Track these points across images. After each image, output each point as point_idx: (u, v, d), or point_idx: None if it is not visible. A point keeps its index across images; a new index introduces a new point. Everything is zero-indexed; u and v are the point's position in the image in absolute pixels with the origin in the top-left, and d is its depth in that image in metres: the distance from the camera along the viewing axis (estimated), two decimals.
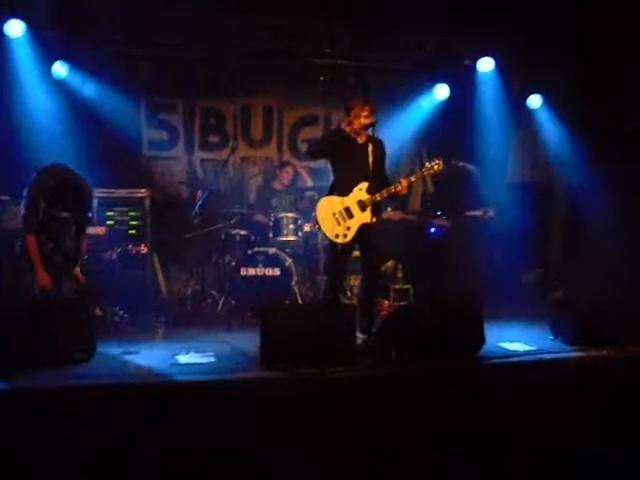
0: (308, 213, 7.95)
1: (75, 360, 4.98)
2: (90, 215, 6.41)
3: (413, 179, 6.03)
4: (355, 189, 5.89)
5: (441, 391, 4.72)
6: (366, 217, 5.84)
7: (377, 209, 5.94)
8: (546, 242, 9.67)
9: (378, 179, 5.90)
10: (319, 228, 6.09)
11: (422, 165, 6.08)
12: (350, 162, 5.91)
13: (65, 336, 4.97)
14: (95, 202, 7.63)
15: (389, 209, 8.55)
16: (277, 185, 8.58)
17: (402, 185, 5.83)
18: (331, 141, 6.09)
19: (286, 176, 8.57)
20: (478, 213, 8.20)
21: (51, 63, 8.01)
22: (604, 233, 8.76)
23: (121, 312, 6.90)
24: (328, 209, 5.92)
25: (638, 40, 7.64)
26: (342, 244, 5.86)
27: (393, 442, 4.43)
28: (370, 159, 5.80)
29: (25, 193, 5.78)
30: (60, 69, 8.08)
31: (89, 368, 4.93)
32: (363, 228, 5.87)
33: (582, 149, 8.94)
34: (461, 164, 8.34)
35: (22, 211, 5.84)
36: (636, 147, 8.35)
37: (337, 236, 5.86)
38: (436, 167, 5.96)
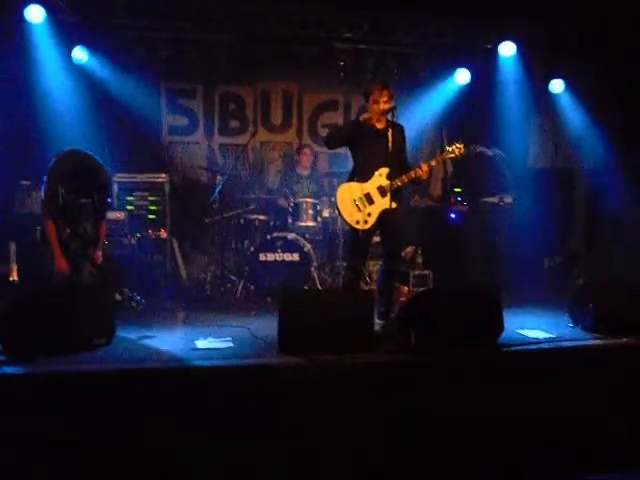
0: (328, 199, 7.96)
1: (95, 345, 5.00)
2: (109, 200, 6.43)
3: (433, 163, 5.99)
4: (375, 175, 5.85)
5: (460, 378, 4.71)
6: (386, 203, 5.81)
7: (397, 195, 5.90)
8: (567, 229, 9.61)
9: (398, 165, 5.87)
10: (339, 215, 6.07)
11: (443, 149, 6.02)
12: (369, 148, 5.87)
13: (85, 321, 4.99)
14: (115, 187, 7.71)
15: (416, 197, 8.53)
16: (300, 170, 8.57)
17: (422, 170, 5.78)
18: (348, 130, 6.06)
19: (306, 158, 8.55)
20: (494, 199, 8.15)
21: (71, 48, 8.03)
22: (626, 219, 8.69)
23: (140, 297, 6.93)
24: (348, 196, 5.89)
25: None
26: (363, 230, 5.85)
27: (412, 428, 4.44)
28: (390, 144, 5.76)
29: (45, 179, 5.81)
30: (80, 54, 8.10)
31: (109, 353, 4.95)
32: (384, 214, 5.84)
33: (604, 135, 8.86)
34: (479, 149, 8.24)
35: (42, 197, 5.87)
36: None
37: (357, 222, 5.84)
38: (457, 151, 5.92)
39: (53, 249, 5.73)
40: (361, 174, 5.93)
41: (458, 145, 5.93)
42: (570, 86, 9.30)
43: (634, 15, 7.65)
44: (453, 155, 5.95)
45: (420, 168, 5.78)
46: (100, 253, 6.12)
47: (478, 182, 8.39)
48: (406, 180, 5.82)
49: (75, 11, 7.68)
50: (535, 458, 4.53)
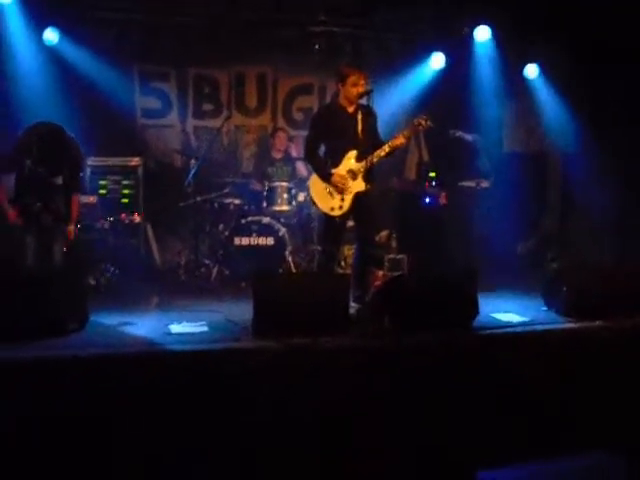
0: (303, 183, 7.93)
1: (68, 330, 4.95)
2: (81, 175, 6.34)
3: (401, 139, 5.84)
4: (344, 159, 5.85)
5: (433, 361, 4.72)
6: (359, 185, 5.83)
7: (369, 176, 5.90)
8: (541, 213, 9.68)
9: (370, 147, 5.85)
10: (314, 204, 6.08)
11: (411, 123, 6.00)
12: (339, 133, 5.87)
13: (58, 306, 4.94)
14: (87, 171, 7.62)
15: (394, 179, 8.52)
16: (275, 153, 8.54)
17: (389, 146, 5.77)
18: (319, 132, 6.03)
19: (280, 141, 8.54)
20: (471, 184, 8.18)
21: (42, 30, 7.90)
22: (599, 204, 8.76)
23: (114, 281, 6.87)
24: (320, 184, 5.91)
25: (634, 7, 7.58)
26: (338, 216, 5.85)
27: (386, 412, 4.45)
28: (359, 127, 5.79)
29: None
30: (51, 35, 7.96)
31: (82, 338, 4.91)
32: (357, 197, 5.84)
33: (577, 119, 8.90)
34: (458, 134, 8.28)
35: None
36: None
37: (332, 209, 5.86)
38: (423, 122, 5.85)
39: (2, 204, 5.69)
40: (332, 159, 5.94)
41: (423, 116, 5.88)
42: (544, 71, 9.34)
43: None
44: (420, 128, 5.90)
45: (394, 140, 5.77)
46: (72, 228, 6.04)
47: (456, 166, 8.40)
48: (376, 159, 5.80)
49: None
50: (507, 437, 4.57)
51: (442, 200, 8.50)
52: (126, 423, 4.08)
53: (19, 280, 5.03)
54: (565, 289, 5.80)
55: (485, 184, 8.16)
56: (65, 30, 8.01)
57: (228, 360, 4.55)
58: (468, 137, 8.33)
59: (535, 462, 3.54)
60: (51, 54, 8.03)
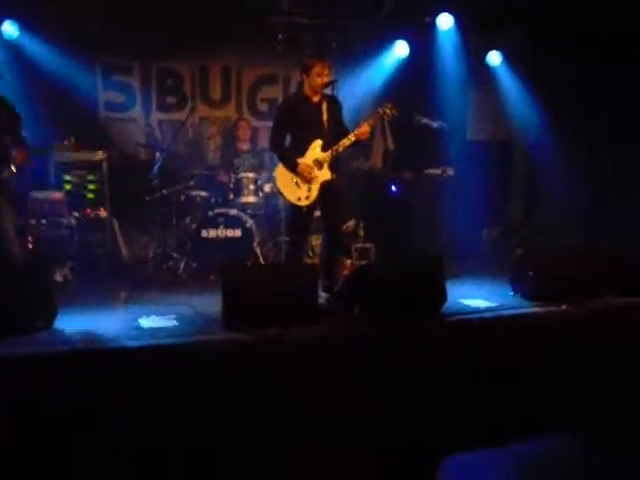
0: (270, 173, 7.92)
1: (36, 327, 4.90)
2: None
3: (365, 126, 5.86)
4: (309, 148, 5.87)
5: (403, 349, 4.76)
6: (325, 175, 5.88)
7: (334, 165, 5.93)
8: (506, 200, 9.77)
9: (336, 136, 5.88)
10: (280, 194, 6.10)
11: (375, 112, 6.06)
12: (304, 123, 5.91)
13: (25, 303, 4.89)
14: (51, 166, 7.54)
15: (360, 159, 8.54)
16: (240, 144, 8.51)
17: (362, 130, 5.79)
18: (283, 123, 6.06)
19: (242, 132, 8.53)
20: (437, 171, 8.23)
21: (0, 23, 7.80)
22: (563, 190, 8.86)
23: (81, 277, 6.82)
24: (286, 174, 5.94)
25: None
26: (306, 206, 5.87)
27: (357, 402, 4.48)
28: (324, 117, 5.84)
29: None
30: (9, 29, 7.87)
31: (50, 335, 4.87)
32: (324, 186, 5.87)
33: (542, 107, 8.99)
34: (424, 121, 8.30)
35: None
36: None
37: (299, 199, 5.89)
38: (388, 111, 5.93)
39: None
40: (297, 149, 5.97)
41: (388, 105, 5.94)
42: (507, 58, 9.41)
43: None
44: (385, 116, 5.99)
45: (359, 129, 5.80)
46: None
47: (421, 153, 8.42)
48: (341, 148, 5.84)
49: None
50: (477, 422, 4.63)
51: (407, 177, 8.52)
52: (96, 420, 4.06)
53: None
54: (531, 274, 5.88)
55: (450, 172, 8.21)
56: (24, 23, 7.91)
57: (199, 353, 4.55)
58: (434, 124, 8.36)
59: (499, 446, 3.60)
60: (11, 48, 7.93)
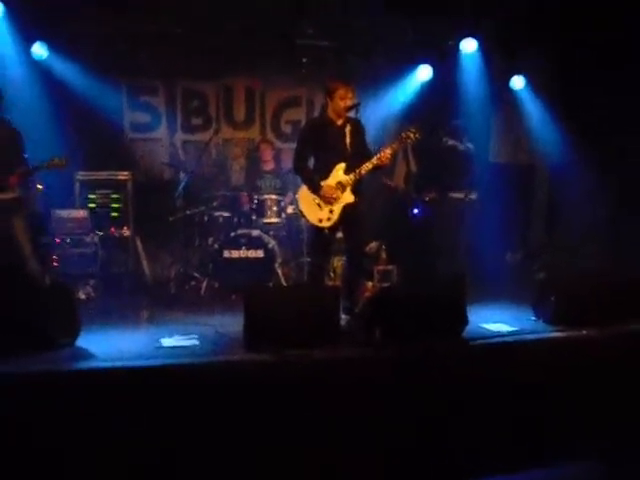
0: (293, 195, 7.95)
1: (60, 345, 4.95)
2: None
3: (395, 146, 5.93)
4: (333, 171, 5.90)
5: (424, 372, 4.75)
6: (348, 197, 5.88)
7: (358, 188, 5.94)
8: (528, 223, 9.73)
9: (359, 159, 5.89)
10: (302, 216, 6.13)
11: (398, 136, 6.07)
12: (328, 145, 5.93)
13: (49, 320, 4.93)
14: (77, 185, 7.63)
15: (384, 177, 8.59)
16: (264, 166, 8.57)
17: (384, 154, 5.79)
18: (307, 145, 6.10)
19: (264, 153, 8.60)
20: (460, 195, 8.14)
21: (31, 44, 7.93)
22: (586, 214, 8.82)
23: (104, 295, 6.87)
24: (309, 196, 5.96)
25: (617, 20, 7.68)
26: (327, 228, 5.89)
27: (378, 424, 4.47)
28: (348, 140, 5.83)
29: None
30: (39, 50, 8.00)
31: (73, 352, 4.90)
32: (346, 209, 5.88)
33: (564, 130, 8.97)
34: (451, 142, 8.19)
35: None
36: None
37: (321, 221, 5.90)
38: (412, 135, 5.90)
39: None
40: (320, 171, 5.99)
41: (412, 129, 5.94)
42: (530, 82, 9.41)
43: (591, 10, 7.78)
44: (409, 140, 5.96)
45: (382, 153, 5.81)
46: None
47: (445, 177, 8.34)
48: (364, 171, 5.84)
49: (33, 6, 7.55)
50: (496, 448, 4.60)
51: (431, 197, 8.45)
52: (118, 437, 4.08)
53: (9, 295, 5.01)
54: (553, 298, 5.85)
55: (473, 196, 8.14)
56: (53, 45, 8.04)
57: (219, 373, 4.56)
58: (461, 146, 8.27)
59: (522, 471, 3.57)
60: (40, 69, 8.05)
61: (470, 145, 8.28)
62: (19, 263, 6.03)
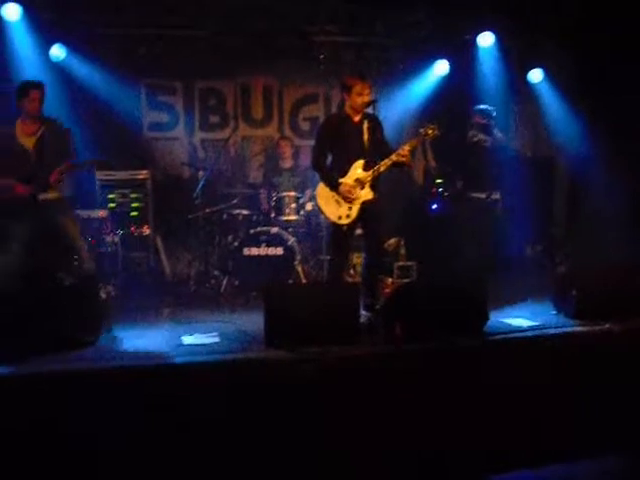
0: (312, 192, 7.96)
1: (82, 343, 4.99)
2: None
3: (407, 147, 5.85)
4: (351, 168, 5.89)
5: (445, 368, 4.75)
6: (366, 194, 5.88)
7: (376, 185, 5.94)
8: (549, 217, 9.66)
9: (378, 155, 5.88)
10: (321, 212, 6.12)
11: (417, 133, 6.05)
12: (346, 142, 5.92)
13: (72, 319, 4.98)
14: (96, 185, 7.69)
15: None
16: (283, 163, 8.57)
17: (403, 151, 5.77)
18: (325, 141, 6.10)
19: (283, 150, 8.58)
20: (482, 195, 7.91)
21: (49, 46, 7.98)
22: (607, 207, 8.75)
23: (125, 294, 6.91)
24: (327, 193, 5.95)
25: (637, 11, 7.61)
26: (346, 225, 5.89)
27: (398, 420, 4.47)
28: (365, 136, 5.82)
29: None
30: (58, 52, 8.05)
31: (96, 351, 4.94)
32: (365, 206, 5.88)
33: (584, 123, 8.91)
34: (477, 138, 7.86)
35: None
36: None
37: (340, 218, 5.89)
38: (430, 131, 5.90)
39: None
40: (339, 168, 5.98)
41: (431, 126, 5.92)
42: (549, 75, 9.35)
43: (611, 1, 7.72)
44: (428, 137, 5.95)
45: (400, 150, 5.79)
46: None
47: (466, 175, 8.20)
48: (383, 168, 5.83)
49: (51, 8, 7.62)
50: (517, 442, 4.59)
51: (452, 191, 8.31)
52: (141, 435, 4.11)
53: (33, 294, 5.05)
54: (574, 292, 5.81)
55: (496, 196, 7.86)
56: (72, 46, 8.09)
57: (240, 370, 4.58)
58: (488, 141, 7.85)
59: (546, 466, 3.54)
60: (58, 70, 8.09)
61: (500, 134, 8.04)
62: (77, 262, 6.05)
